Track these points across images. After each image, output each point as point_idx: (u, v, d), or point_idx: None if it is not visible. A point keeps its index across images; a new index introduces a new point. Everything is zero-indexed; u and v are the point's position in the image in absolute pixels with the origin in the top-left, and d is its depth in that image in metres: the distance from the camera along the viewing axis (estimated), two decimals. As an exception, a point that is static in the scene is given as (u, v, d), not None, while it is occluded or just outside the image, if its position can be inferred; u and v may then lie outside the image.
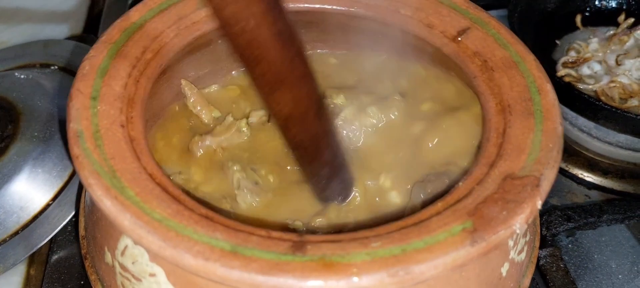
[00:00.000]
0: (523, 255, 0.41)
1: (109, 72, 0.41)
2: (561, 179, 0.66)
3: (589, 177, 0.65)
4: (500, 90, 0.42)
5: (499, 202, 0.34)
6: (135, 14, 0.45)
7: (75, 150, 0.35)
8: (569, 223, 0.57)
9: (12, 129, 0.56)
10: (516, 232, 0.33)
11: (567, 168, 0.66)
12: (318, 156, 0.40)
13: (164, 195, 0.34)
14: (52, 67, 0.65)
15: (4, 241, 0.51)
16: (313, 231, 0.41)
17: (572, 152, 0.67)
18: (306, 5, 0.50)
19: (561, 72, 0.68)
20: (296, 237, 0.33)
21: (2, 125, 0.56)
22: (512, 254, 0.39)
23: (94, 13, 0.78)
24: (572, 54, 0.70)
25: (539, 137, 0.38)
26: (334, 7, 0.50)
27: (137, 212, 0.32)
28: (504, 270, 0.39)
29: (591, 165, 0.66)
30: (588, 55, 0.69)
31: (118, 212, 0.32)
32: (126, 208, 0.32)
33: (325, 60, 0.53)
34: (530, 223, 0.42)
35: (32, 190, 0.54)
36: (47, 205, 0.54)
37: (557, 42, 0.73)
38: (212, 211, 0.34)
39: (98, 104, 0.38)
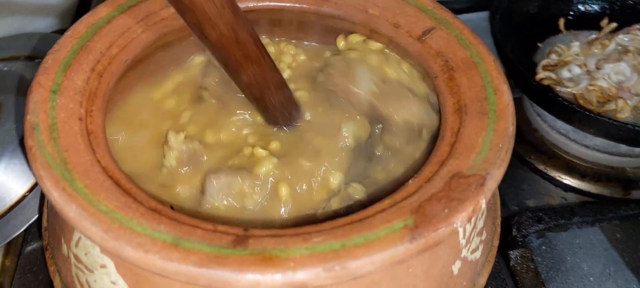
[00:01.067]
0: (478, 253, 0.41)
1: (72, 66, 0.41)
2: (539, 181, 0.66)
3: (566, 179, 0.66)
4: (459, 90, 0.42)
5: (442, 200, 0.34)
6: (103, 10, 0.46)
7: (29, 142, 0.36)
8: (539, 225, 0.57)
9: (-8, 120, 0.57)
10: (458, 230, 0.34)
11: (545, 171, 0.66)
12: (268, 96, 0.44)
13: (114, 188, 0.35)
14: (37, 60, 0.66)
15: (-22, 231, 0.52)
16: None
17: (550, 155, 0.67)
18: (276, 3, 0.50)
19: (541, 74, 0.68)
20: (241, 231, 0.33)
21: (-19, 117, 0.57)
22: (464, 252, 0.39)
23: (83, 7, 0.78)
24: (553, 57, 0.70)
25: (490, 136, 0.38)
26: (304, 5, 0.51)
27: (84, 203, 0.33)
28: (456, 268, 0.39)
29: (569, 167, 0.66)
30: (569, 58, 0.69)
31: (64, 204, 0.33)
32: (72, 200, 0.33)
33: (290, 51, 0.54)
34: (486, 221, 0.43)
35: (9, 181, 0.55)
36: (23, 197, 0.55)
37: (539, 45, 0.73)
38: (160, 204, 0.35)
39: (58, 97, 0.39)
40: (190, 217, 0.34)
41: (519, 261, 0.56)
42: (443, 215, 0.33)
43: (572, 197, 0.65)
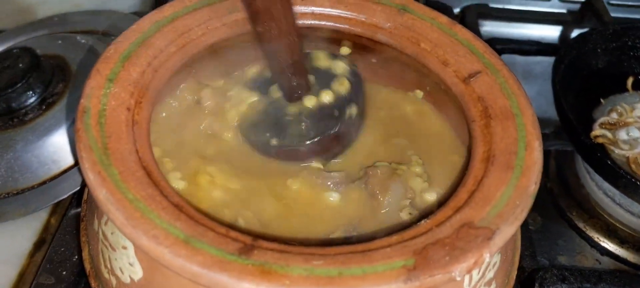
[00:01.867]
0: (482, 304, 0.42)
1: (131, 58, 0.44)
2: (575, 239, 0.65)
3: (604, 242, 0.64)
4: (492, 139, 0.43)
5: (447, 246, 0.35)
6: (168, 9, 0.49)
7: (78, 124, 0.39)
8: (563, 284, 0.56)
9: (62, 87, 0.62)
10: (456, 279, 0.34)
11: (584, 229, 0.65)
12: (293, 70, 0.48)
13: (144, 179, 0.37)
14: (112, 37, 0.71)
15: (32, 188, 0.57)
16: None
17: (592, 214, 0.66)
18: (327, 22, 0.52)
19: (596, 131, 0.66)
20: (250, 239, 0.35)
21: (55, 83, 0.62)
22: (466, 301, 0.40)
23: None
24: (614, 115, 0.68)
25: (509, 192, 0.39)
26: (359, 30, 0.52)
27: (113, 189, 0.36)
28: (455, 316, 0.40)
29: (609, 231, 0.64)
30: (630, 119, 0.67)
31: (96, 186, 0.36)
32: (104, 184, 0.36)
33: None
34: (498, 272, 0.43)
35: (66, 147, 0.59)
36: (76, 163, 0.59)
37: (602, 100, 0.71)
38: (184, 201, 0.37)
39: (112, 86, 0.42)
40: (208, 218, 0.36)
41: (537, 318, 0.55)
42: (443, 261, 0.34)
43: (606, 262, 0.63)
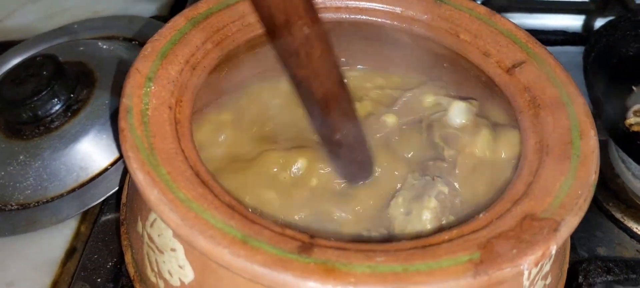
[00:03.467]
0: (540, 298, 0.41)
1: (168, 56, 0.43)
2: (614, 230, 0.64)
3: (644, 232, 0.63)
4: (543, 129, 0.42)
5: (512, 239, 0.34)
6: (203, 5, 0.48)
7: (122, 123, 0.38)
8: (608, 276, 0.55)
9: (87, 93, 0.61)
10: (523, 272, 0.33)
11: (622, 220, 0.64)
12: (338, 124, 0.41)
13: (193, 178, 0.36)
14: (134, 42, 0.70)
15: (61, 196, 0.56)
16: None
17: (630, 204, 0.64)
18: (365, 17, 0.51)
19: (631, 119, 0.65)
20: (307, 238, 0.34)
21: (79, 89, 0.61)
22: (526, 295, 0.39)
23: (181, -4, 0.82)
24: (645, 103, 0.67)
25: (569, 182, 0.38)
26: (396, 23, 0.51)
27: (165, 189, 0.35)
28: (516, 310, 0.38)
29: (649, 220, 0.63)
30: (664, 106, 0.66)
31: (147, 186, 0.35)
32: (155, 185, 0.35)
33: (372, 79, 0.54)
34: (553, 265, 0.42)
35: (94, 153, 0.58)
36: (105, 169, 0.58)
37: (634, 88, 0.70)
38: (235, 200, 0.36)
39: (152, 85, 0.41)
40: (262, 217, 0.35)
41: (582, 310, 0.54)
42: (510, 255, 0.33)
43: (648, 252, 0.62)
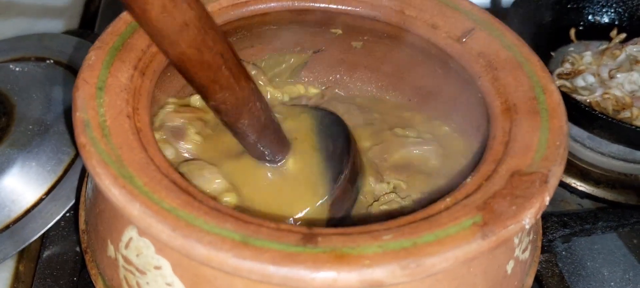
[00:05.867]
0: (527, 253, 0.41)
1: (115, 63, 0.40)
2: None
3: (581, 186, 0.66)
4: (506, 90, 0.42)
5: (507, 197, 0.34)
6: (139, 7, 0.45)
7: (82, 138, 0.34)
8: (565, 230, 0.57)
9: (6, 121, 0.55)
10: (525, 227, 0.33)
11: (562, 178, 0.67)
12: (241, 118, 0.39)
13: (172, 186, 0.34)
14: (48, 61, 0.64)
15: (-7, 235, 0.50)
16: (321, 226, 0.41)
17: (567, 162, 0.67)
18: (312, 4, 0.50)
19: (557, 82, 0.68)
20: (306, 229, 0.32)
21: (-3, 117, 0.55)
22: (517, 252, 0.39)
23: (90, 9, 0.77)
24: (567, 66, 0.71)
25: (545, 135, 0.38)
26: (340, 6, 0.50)
27: (146, 201, 0.32)
28: (509, 267, 0.39)
29: (584, 174, 0.67)
30: (582, 67, 0.70)
31: (127, 201, 0.32)
32: (135, 197, 0.32)
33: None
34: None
35: (24, 184, 0.53)
36: (40, 200, 0.53)
37: (552, 54, 0.74)
38: (220, 204, 0.34)
39: (104, 95, 0.38)
40: (253, 216, 0.33)
41: (544, 266, 0.56)
42: (511, 212, 0.33)
43: (587, 204, 0.65)
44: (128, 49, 0.41)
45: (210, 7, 0.46)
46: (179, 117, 0.46)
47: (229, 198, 0.42)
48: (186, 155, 0.45)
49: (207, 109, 0.47)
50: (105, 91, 0.38)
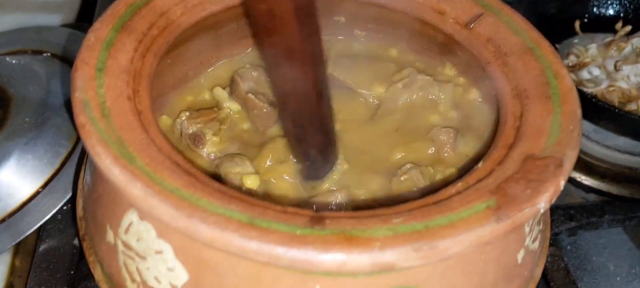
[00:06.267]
0: (537, 243, 0.40)
1: (115, 45, 0.39)
2: (560, 181, 0.66)
3: (586, 180, 0.65)
4: (516, 75, 0.42)
5: (521, 181, 0.33)
6: (141, -10, 0.44)
7: (81, 118, 0.33)
8: (571, 223, 0.56)
9: (2, 113, 0.54)
10: (540, 211, 0.32)
11: (566, 171, 0.66)
12: (311, 137, 0.39)
13: (174, 167, 0.32)
14: (45, 54, 0.63)
15: (-11, 228, 0.49)
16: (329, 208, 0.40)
17: (570, 155, 0.67)
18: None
19: (561, 75, 0.67)
20: (313, 212, 0.31)
21: (-6, 110, 0.54)
22: (527, 241, 0.38)
23: (88, 2, 0.76)
24: (572, 58, 0.70)
25: (557, 119, 0.37)
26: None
27: (148, 181, 0.31)
28: (520, 256, 0.38)
29: (589, 168, 0.66)
30: (587, 60, 0.69)
31: (127, 181, 0.30)
32: (136, 177, 0.31)
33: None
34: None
35: (20, 177, 0.52)
36: (37, 193, 0.52)
37: (557, 46, 0.73)
38: (225, 186, 0.32)
39: (104, 76, 0.37)
40: (259, 198, 0.32)
41: (549, 260, 0.55)
42: (525, 195, 0.32)
43: (592, 198, 0.64)
44: (128, 30, 0.40)
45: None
46: (195, 123, 0.45)
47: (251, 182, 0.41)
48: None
49: (220, 106, 0.47)
50: (105, 72, 0.37)
